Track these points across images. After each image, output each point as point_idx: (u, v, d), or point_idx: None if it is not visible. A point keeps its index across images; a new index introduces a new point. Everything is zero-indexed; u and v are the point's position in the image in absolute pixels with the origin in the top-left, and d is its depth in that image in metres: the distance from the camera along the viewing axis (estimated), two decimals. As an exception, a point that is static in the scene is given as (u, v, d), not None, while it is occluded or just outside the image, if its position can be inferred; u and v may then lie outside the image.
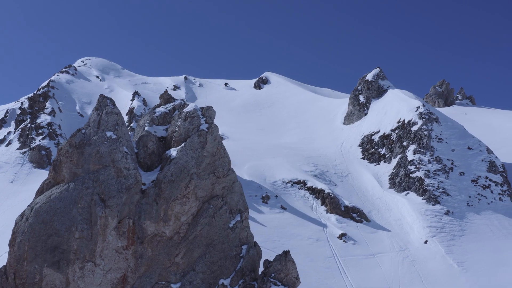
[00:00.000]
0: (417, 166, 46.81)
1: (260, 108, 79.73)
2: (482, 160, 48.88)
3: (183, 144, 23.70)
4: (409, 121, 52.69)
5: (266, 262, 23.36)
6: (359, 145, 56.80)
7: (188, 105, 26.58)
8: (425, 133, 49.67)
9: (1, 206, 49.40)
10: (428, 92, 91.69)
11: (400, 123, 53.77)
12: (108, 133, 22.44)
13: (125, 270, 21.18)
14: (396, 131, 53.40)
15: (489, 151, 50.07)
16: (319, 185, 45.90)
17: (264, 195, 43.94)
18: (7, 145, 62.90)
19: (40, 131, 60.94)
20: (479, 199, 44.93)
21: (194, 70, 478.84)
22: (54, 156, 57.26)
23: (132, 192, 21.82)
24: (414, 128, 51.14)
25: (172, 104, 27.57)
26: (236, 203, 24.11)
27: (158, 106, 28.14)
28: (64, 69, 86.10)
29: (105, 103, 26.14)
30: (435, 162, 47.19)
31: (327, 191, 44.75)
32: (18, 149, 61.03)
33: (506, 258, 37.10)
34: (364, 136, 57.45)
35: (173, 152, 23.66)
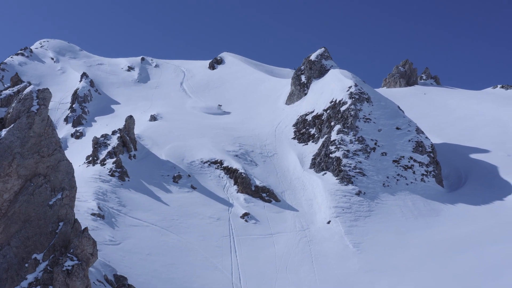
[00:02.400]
0: (338, 146, 45.77)
1: (209, 89, 78.76)
2: (409, 141, 47.79)
3: (12, 125, 23.22)
4: (339, 101, 51.57)
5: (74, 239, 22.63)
6: (293, 125, 55.71)
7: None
8: (352, 113, 48.54)
9: None
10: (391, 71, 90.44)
11: (332, 103, 52.65)
12: None
13: None
14: (328, 111, 52.28)
15: (418, 131, 48.92)
16: (235, 165, 44.98)
17: (176, 175, 43.05)
18: None
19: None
20: (397, 180, 43.93)
21: (158, 52, 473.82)
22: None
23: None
24: (343, 108, 50.03)
25: (18, 86, 26.94)
26: (61, 182, 23.45)
27: (7, 88, 27.58)
28: (19, 51, 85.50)
29: None
30: (357, 142, 46.13)
31: (240, 170, 43.81)
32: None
33: (408, 239, 36.19)
34: (300, 116, 56.38)
35: (3, 132, 23.23)
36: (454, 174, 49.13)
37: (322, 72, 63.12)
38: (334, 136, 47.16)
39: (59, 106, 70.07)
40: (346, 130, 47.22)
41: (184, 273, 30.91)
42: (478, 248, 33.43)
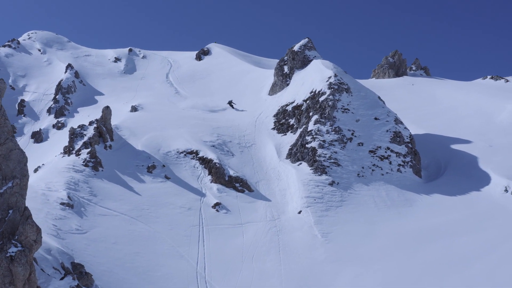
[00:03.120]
0: (314, 136, 45.63)
1: (194, 80, 78.50)
2: (387, 131, 47.61)
3: (-36, 116, 23.20)
4: (319, 92, 51.41)
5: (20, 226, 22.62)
6: (274, 116, 55.57)
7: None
8: (329, 103, 48.37)
9: None
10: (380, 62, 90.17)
11: (312, 94, 52.49)
12: None
13: None
14: (307, 102, 52.14)
15: (397, 121, 48.73)
16: (210, 155, 44.85)
17: (150, 165, 42.96)
18: None
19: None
20: (373, 170, 43.80)
21: (147, 43, 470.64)
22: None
23: None
24: (322, 98, 49.87)
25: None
26: (12, 171, 23.39)
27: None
28: (7, 43, 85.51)
29: None
30: (333, 132, 45.96)
31: (215, 161, 43.74)
32: None
33: (377, 229, 36.10)
34: (281, 107, 56.20)
35: (-45, 122, 23.24)
36: (433, 164, 48.98)
37: (305, 62, 62.90)
38: (311, 126, 47.04)
39: (43, 97, 70.02)
40: (323, 120, 47.08)
41: (148, 262, 30.95)
42: (448, 239, 33.33)
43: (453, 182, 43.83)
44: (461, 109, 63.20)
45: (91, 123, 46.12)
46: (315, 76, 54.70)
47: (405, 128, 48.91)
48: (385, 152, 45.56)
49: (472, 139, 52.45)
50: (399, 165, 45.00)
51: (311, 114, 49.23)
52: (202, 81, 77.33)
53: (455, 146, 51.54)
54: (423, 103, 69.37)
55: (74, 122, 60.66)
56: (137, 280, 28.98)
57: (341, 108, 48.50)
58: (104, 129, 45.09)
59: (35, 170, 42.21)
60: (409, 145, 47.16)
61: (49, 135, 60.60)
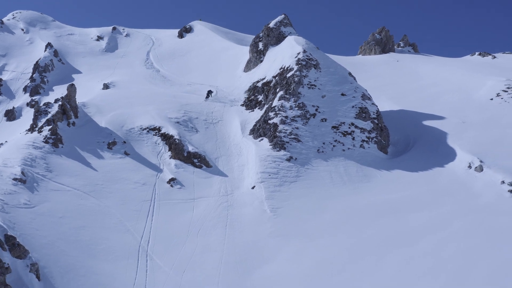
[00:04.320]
0: (277, 112, 45.55)
1: (174, 57, 78.31)
2: (353, 107, 47.44)
3: None
4: (287, 68, 51.23)
5: None
6: (245, 92, 55.50)
7: None
8: (295, 79, 48.20)
9: None
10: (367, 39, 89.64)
11: (281, 70, 52.32)
12: None
13: None
14: (276, 78, 51.99)
15: (364, 97, 48.51)
16: (172, 131, 44.93)
17: (110, 141, 43.11)
18: None
19: None
20: (334, 146, 43.73)
21: (132, 21, 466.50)
22: None
23: None
24: (289, 74, 49.70)
25: None
26: None
27: None
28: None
29: None
30: (296, 108, 45.85)
31: (175, 137, 43.85)
32: None
33: (329, 205, 35.91)
34: (252, 84, 56.10)
35: None
36: (403, 141, 48.82)
37: (280, 39, 62.58)
38: (275, 102, 46.95)
39: (20, 76, 70.24)
40: (287, 96, 46.95)
41: (92, 235, 31.11)
42: (399, 214, 33.24)
43: (418, 158, 43.65)
44: (442, 86, 62.80)
45: (56, 100, 46.27)
46: (286, 52, 54.52)
47: (373, 104, 48.72)
48: (349, 128, 45.43)
49: (446, 115, 52.15)
50: (363, 141, 44.89)
51: (277, 90, 49.12)
52: (182, 59, 77.18)
53: (427, 122, 51.30)
54: (404, 80, 69.11)
55: (48, 100, 60.84)
56: (77, 253, 29.14)
57: (307, 84, 48.32)
58: (68, 106, 45.22)
59: (-3, 147, 42.42)
60: (375, 121, 46.95)
61: (22, 113, 60.92)
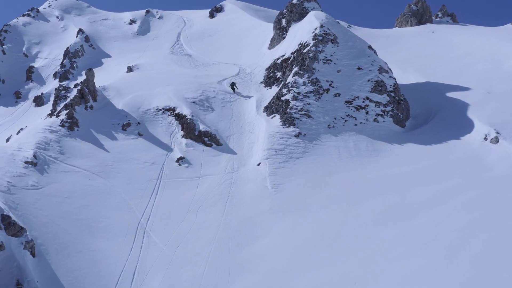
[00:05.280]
0: (290, 89, 45.39)
1: (203, 38, 78.70)
2: (368, 80, 46.69)
3: None
4: (304, 44, 50.83)
5: None
6: (266, 70, 55.46)
7: None
8: (310, 55, 47.81)
9: None
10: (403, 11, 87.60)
11: (299, 46, 51.96)
12: None
13: None
14: (294, 54, 51.71)
15: (381, 70, 47.62)
16: (185, 111, 45.49)
17: (125, 123, 44.08)
18: None
19: (-29, 73, 63.55)
20: (345, 121, 43.29)
21: (168, 3, 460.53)
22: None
23: None
24: (305, 50, 49.33)
25: None
26: None
27: None
28: (26, 12, 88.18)
29: None
30: (310, 84, 45.53)
31: (188, 116, 44.40)
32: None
33: (332, 180, 35.56)
34: (273, 61, 55.97)
35: None
36: (424, 113, 47.80)
37: (302, 15, 62.01)
38: (289, 79, 46.77)
39: (52, 63, 72.28)
40: (301, 72, 46.68)
41: (94, 214, 32.05)
42: (403, 189, 32.43)
43: (435, 131, 42.66)
44: (474, 56, 61.00)
45: (76, 85, 47.55)
46: (304, 28, 54.04)
47: (390, 77, 47.81)
48: (363, 102, 44.81)
49: (473, 86, 50.68)
50: (377, 115, 44.23)
51: (294, 66, 48.88)
52: (210, 39, 77.51)
53: (451, 94, 50.00)
54: (436, 51, 67.39)
55: (77, 85, 62.49)
56: (77, 231, 30.13)
57: (322, 59, 47.83)
58: (86, 90, 46.41)
59: (18, 132, 44.01)
60: (392, 94, 46.10)
61: (50, 99, 62.81)
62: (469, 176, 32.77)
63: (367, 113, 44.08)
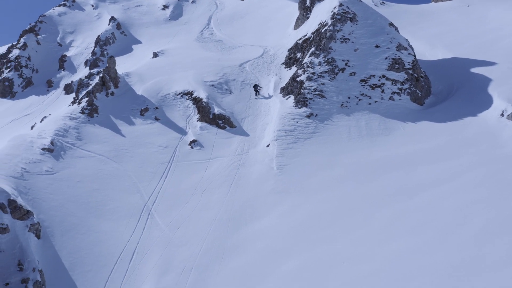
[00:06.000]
0: (305, 69, 45.34)
1: (232, 21, 78.79)
2: (386, 58, 46.08)
3: None
4: (323, 23, 50.52)
5: None
6: (288, 50, 55.41)
7: None
8: (327, 34, 47.52)
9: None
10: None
11: (319, 25, 51.67)
12: None
13: None
14: (314, 34, 51.47)
15: (399, 47, 46.87)
16: (202, 94, 46.10)
17: (143, 108, 45.08)
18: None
19: (9, 64, 65.89)
20: (359, 100, 42.96)
21: None
22: (16, 85, 62.05)
23: None
24: (323, 30, 49.06)
25: None
26: None
27: None
28: (62, 2, 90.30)
29: None
30: (325, 64, 45.34)
31: (203, 100, 45.01)
32: (-7, 83, 66.66)
33: (338, 160, 35.50)
34: (296, 41, 55.84)
35: None
36: (446, 90, 46.87)
37: (327, -7, 61.28)
38: (306, 59, 46.71)
39: (84, 51, 74.08)
40: (318, 52, 46.51)
41: (103, 197, 33.19)
42: (407, 168, 32.11)
43: (452, 108, 41.82)
44: (505, 29, 59.01)
45: (99, 73, 48.81)
46: (325, 8, 53.67)
47: (409, 54, 47.03)
48: (379, 80, 44.34)
49: (498, 60, 49.20)
50: (394, 93, 43.70)
51: (311, 46, 48.73)
52: (239, 21, 77.64)
53: (475, 70, 48.76)
54: (468, 25, 65.61)
55: (106, 72, 63.88)
56: (84, 214, 31.36)
57: (340, 38, 47.49)
58: (107, 77, 47.64)
59: (41, 120, 45.62)
60: (410, 71, 45.40)
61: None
62: (480, 153, 31.91)
63: (382, 91, 43.59)
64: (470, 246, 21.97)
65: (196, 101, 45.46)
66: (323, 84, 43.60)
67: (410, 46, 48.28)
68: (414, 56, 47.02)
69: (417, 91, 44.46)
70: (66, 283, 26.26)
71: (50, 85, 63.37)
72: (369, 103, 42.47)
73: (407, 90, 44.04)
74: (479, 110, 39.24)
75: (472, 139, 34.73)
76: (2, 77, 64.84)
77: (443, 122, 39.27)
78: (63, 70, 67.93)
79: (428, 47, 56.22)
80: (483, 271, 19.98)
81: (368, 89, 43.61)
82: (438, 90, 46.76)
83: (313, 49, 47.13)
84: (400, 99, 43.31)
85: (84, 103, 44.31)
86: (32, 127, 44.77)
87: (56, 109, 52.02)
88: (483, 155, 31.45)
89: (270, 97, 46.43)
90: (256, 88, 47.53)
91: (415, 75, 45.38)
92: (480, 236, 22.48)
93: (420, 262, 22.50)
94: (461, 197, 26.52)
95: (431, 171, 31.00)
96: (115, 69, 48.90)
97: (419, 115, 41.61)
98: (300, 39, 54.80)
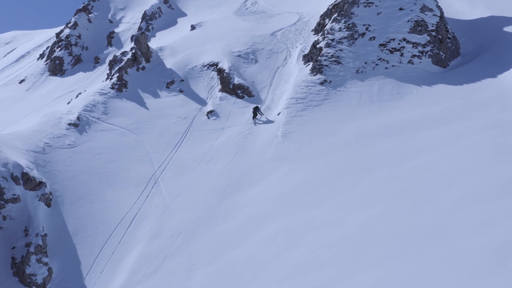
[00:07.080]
0: (325, 36, 45.47)
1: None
2: (408, 21, 45.27)
3: None
4: (350, -12, 50.07)
5: None
6: (320, 17, 55.26)
7: None
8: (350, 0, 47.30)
9: (7, 109, 59.07)
10: None
11: (346, -10, 51.24)
12: None
13: None
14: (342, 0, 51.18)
15: (423, 9, 45.85)
16: (225, 65, 47.21)
17: (169, 81, 46.89)
18: (38, 59, 72.88)
19: (60, 43, 69.60)
20: (376, 65, 42.70)
21: None
22: (66, 63, 65.61)
23: None
24: (348, -6, 48.76)
25: None
26: None
27: None
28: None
29: None
30: (345, 29, 45.24)
31: (226, 70, 46.16)
32: (45, 61, 70.54)
33: (342, 126, 35.68)
34: (328, 7, 55.58)
35: None
36: (476, 50, 45.53)
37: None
38: (328, 25, 46.78)
39: (132, 27, 76.38)
40: (339, 18, 46.43)
41: (116, 168, 35.35)
42: (407, 133, 32.11)
43: (475, 69, 40.71)
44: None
45: (132, 48, 51.01)
46: (355, -28, 52.84)
47: (434, 15, 45.92)
48: (399, 44, 43.82)
49: (539, 18, 47.34)
50: (414, 56, 43.10)
51: (335, 12, 48.64)
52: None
53: (508, 28, 47.02)
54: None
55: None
56: (96, 183, 33.67)
57: (363, 3, 47.05)
58: (139, 52, 49.79)
59: (76, 96, 48.44)
60: (433, 33, 44.51)
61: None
62: (487, 117, 31.18)
63: (402, 55, 43.12)
64: (443, 213, 22.19)
65: (220, 72, 46.64)
66: (341, 50, 43.67)
67: (438, 6, 47.06)
68: (440, 16, 45.86)
69: (441, 53, 43.60)
70: (67, 246, 28.66)
71: (97, 61, 66.40)
72: (386, 68, 42.17)
73: (429, 52, 43.30)
74: (500, 71, 37.97)
75: (484, 102, 33.81)
76: (53, 56, 68.49)
77: (459, 84, 38.36)
78: (110, 46, 70.68)
79: (467, 5, 54.34)
80: (448, 239, 20.23)
81: (387, 53, 43.27)
82: (469, 50, 45.55)
83: (335, 15, 47.07)
84: (420, 62, 42.68)
85: (114, 78, 46.54)
86: (68, 103, 47.60)
87: (96, 84, 54.67)
88: (489, 119, 30.79)
89: (269, 121, 39.48)
90: (255, 110, 40.52)
91: (439, 36, 44.38)
92: (457, 203, 22.55)
93: (388, 228, 23.09)
94: (454, 162, 26.47)
95: (430, 136, 30.86)
96: (147, 44, 50.91)
97: (437, 78, 40.87)
98: (331, 4, 54.53)
